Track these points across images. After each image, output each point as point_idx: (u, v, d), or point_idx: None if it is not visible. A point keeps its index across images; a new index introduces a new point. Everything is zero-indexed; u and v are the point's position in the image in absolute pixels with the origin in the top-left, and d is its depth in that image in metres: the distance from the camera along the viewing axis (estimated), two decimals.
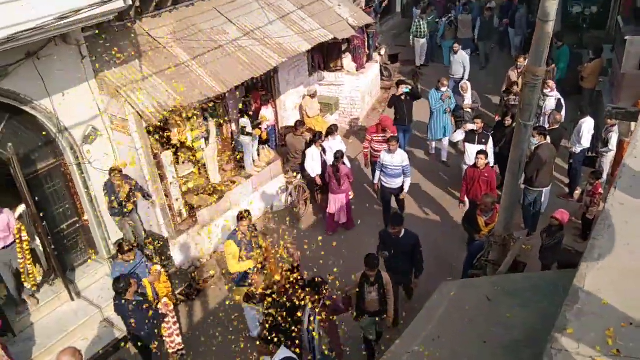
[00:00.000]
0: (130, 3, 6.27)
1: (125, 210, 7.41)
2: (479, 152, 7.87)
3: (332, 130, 9.40)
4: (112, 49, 7.09)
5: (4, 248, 6.60)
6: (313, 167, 9.09)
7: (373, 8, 13.52)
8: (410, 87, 10.19)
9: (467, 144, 8.91)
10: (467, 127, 8.90)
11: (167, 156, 7.88)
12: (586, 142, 8.76)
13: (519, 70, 10.50)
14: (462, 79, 11.64)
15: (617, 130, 8.41)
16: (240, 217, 6.78)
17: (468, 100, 10.23)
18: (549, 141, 8.04)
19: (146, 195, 7.55)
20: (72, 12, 5.26)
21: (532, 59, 2.97)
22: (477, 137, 8.66)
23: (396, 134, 9.18)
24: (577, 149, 8.85)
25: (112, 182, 7.22)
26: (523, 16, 14.36)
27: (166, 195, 7.97)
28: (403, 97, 10.00)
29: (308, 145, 9.28)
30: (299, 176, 9.52)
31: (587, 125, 8.74)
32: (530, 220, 8.39)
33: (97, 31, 6.94)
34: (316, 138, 9.07)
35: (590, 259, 2.10)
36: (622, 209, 2.35)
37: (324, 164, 9.17)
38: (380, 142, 9.12)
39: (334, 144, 9.26)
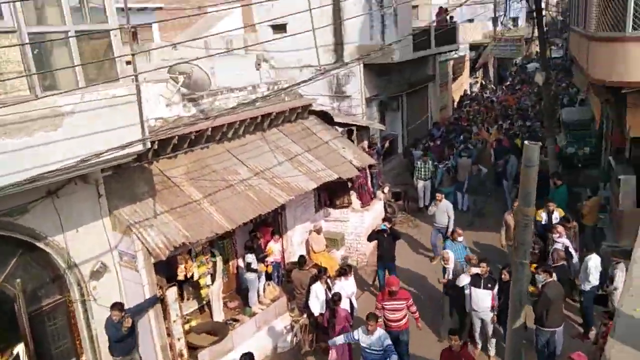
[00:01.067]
0: (149, 146, 6.78)
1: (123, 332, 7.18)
2: (451, 332, 7.47)
3: (345, 271, 9.20)
4: (128, 188, 7.49)
5: None
6: (316, 305, 8.74)
7: (375, 150, 14.30)
8: (387, 226, 10.30)
9: (473, 288, 8.58)
10: (471, 271, 8.73)
11: (172, 292, 7.85)
12: (594, 279, 8.67)
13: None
14: (446, 228, 11.56)
15: (622, 267, 8.35)
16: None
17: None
18: (555, 279, 7.98)
19: None
20: (94, 155, 5.66)
21: (521, 200, 3.16)
22: (482, 281, 8.45)
23: (405, 299, 8.18)
24: (587, 287, 8.73)
25: (110, 318, 7.11)
26: (514, 164, 14.31)
27: (168, 335, 7.81)
28: (384, 234, 10.14)
29: (313, 280, 9.06)
30: (305, 315, 9.31)
31: (593, 262, 8.72)
32: None
33: (114, 172, 7.40)
34: (321, 274, 9.00)
35: None
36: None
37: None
38: (393, 310, 8.12)
39: (347, 284, 9.03)
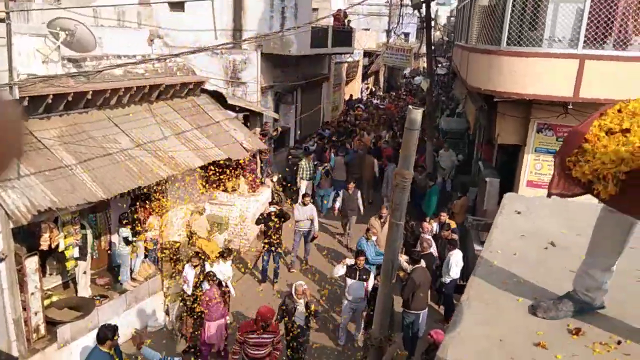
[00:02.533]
0: (17, 97, 6.14)
1: None
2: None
3: (223, 254, 9.09)
4: None
5: None
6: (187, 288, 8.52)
7: (268, 136, 14.29)
8: (277, 208, 10.46)
9: (348, 279, 8.76)
10: (346, 262, 8.94)
11: (31, 262, 7.16)
12: (454, 273, 9.44)
13: (381, 220, 10.56)
14: (309, 230, 11.44)
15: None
16: (100, 338, 5.95)
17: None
18: (423, 265, 8.56)
19: None
20: None
21: (401, 163, 3.34)
22: (358, 272, 8.69)
23: (274, 334, 6.93)
24: (447, 279, 9.49)
25: None
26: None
27: (24, 308, 7.09)
28: (272, 217, 10.23)
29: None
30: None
31: (455, 258, 9.50)
32: (409, 344, 8.54)
33: None
34: (191, 257, 8.85)
35: (451, 332, 2.22)
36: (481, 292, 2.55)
37: None
38: (257, 345, 6.82)
39: (224, 268, 8.90)
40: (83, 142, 8.09)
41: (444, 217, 10.93)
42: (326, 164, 14.73)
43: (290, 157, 16.12)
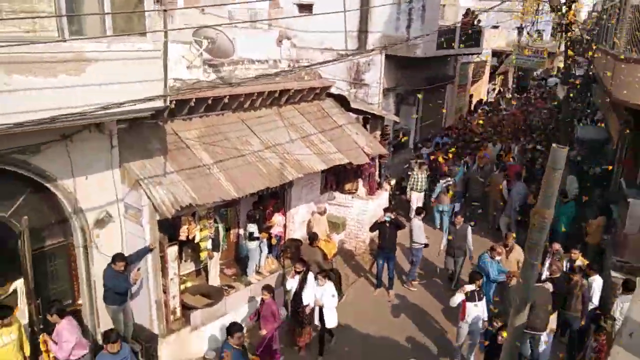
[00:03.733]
0: (168, 104, 6.80)
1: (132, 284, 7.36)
2: None
3: (328, 275, 8.70)
4: (141, 143, 7.52)
5: None
6: (310, 296, 8.41)
7: (388, 141, 14.25)
8: (391, 217, 10.30)
9: (468, 304, 8.30)
10: (465, 289, 8.54)
11: (172, 251, 7.93)
12: (596, 300, 8.69)
13: (507, 249, 9.64)
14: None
15: (619, 302, 7.92)
16: (230, 331, 6.65)
17: None
18: (547, 286, 8.03)
19: None
20: (115, 104, 5.67)
21: (541, 201, 3.18)
22: (476, 294, 8.30)
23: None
24: (589, 307, 8.74)
25: (112, 269, 7.19)
26: (521, 193, 12.77)
27: (164, 292, 7.89)
28: (387, 224, 10.17)
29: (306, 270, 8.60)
30: None
31: (597, 284, 8.75)
32: None
33: (130, 125, 7.42)
34: (308, 266, 8.71)
35: None
36: None
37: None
38: None
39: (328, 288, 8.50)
40: (219, 143, 8.73)
41: (576, 255, 9.51)
42: (449, 179, 13.25)
43: (409, 162, 15.47)
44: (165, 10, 5.89)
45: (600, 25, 16.58)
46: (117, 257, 7.14)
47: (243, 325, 7.16)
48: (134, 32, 6.12)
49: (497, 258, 9.33)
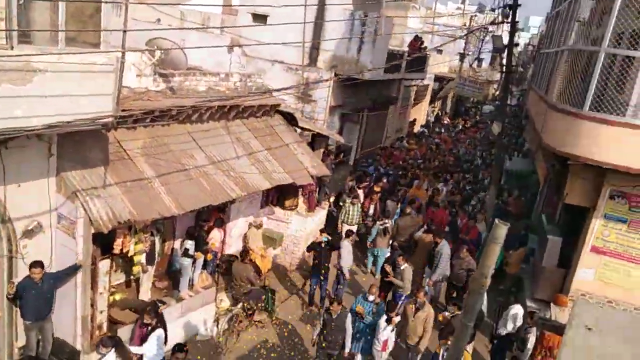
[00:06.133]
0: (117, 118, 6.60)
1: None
2: None
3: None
4: (81, 152, 7.24)
5: None
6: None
7: (330, 160, 14.45)
8: (328, 238, 10.59)
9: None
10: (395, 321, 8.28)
11: (104, 265, 7.69)
12: (511, 327, 9.27)
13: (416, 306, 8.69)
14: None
15: (535, 332, 8.64)
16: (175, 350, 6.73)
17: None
18: None
19: None
20: (65, 123, 5.46)
21: (480, 270, 3.42)
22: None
23: None
24: (503, 332, 9.30)
25: (29, 279, 6.84)
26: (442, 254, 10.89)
27: (91, 305, 7.62)
28: (323, 244, 10.42)
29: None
30: (240, 305, 9.47)
31: (515, 311, 9.31)
32: None
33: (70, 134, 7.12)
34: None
35: None
36: None
37: None
38: None
39: None
40: (163, 156, 8.55)
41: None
42: (386, 221, 12.41)
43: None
44: (124, 32, 5.70)
45: (536, 65, 17.67)
46: (33, 264, 6.83)
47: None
48: (86, 43, 5.93)
49: (371, 298, 8.60)
